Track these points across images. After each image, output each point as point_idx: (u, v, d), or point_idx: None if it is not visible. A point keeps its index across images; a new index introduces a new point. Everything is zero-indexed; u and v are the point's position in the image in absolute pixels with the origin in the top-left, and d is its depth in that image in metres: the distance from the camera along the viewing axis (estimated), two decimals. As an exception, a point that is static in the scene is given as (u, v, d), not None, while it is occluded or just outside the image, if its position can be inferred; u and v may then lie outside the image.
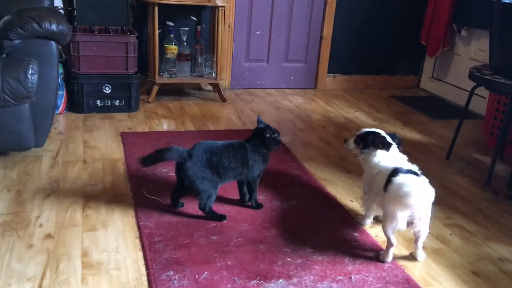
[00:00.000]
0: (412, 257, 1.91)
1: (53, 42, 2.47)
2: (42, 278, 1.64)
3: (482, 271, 1.88)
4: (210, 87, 3.97)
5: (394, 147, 1.99)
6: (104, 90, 3.28)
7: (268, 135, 2.09)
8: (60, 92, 3.16)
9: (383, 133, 2.03)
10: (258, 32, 4.09)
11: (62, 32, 2.45)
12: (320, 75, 4.34)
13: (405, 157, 2.00)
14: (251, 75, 4.19)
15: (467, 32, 4.04)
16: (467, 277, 1.83)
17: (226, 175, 2.04)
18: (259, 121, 2.17)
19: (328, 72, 4.36)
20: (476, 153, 3.10)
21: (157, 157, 1.97)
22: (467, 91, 2.85)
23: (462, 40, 4.13)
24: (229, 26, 3.94)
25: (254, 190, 2.16)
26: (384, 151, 1.97)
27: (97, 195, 2.21)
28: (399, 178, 1.78)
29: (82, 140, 2.83)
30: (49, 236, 1.88)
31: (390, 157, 1.96)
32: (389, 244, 1.84)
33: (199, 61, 3.75)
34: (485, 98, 3.56)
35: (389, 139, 2.00)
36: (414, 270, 1.84)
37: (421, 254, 1.90)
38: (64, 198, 2.16)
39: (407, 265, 1.86)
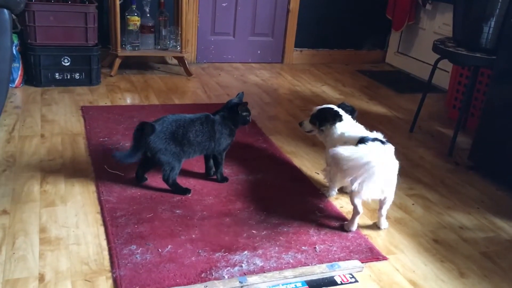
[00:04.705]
0: (375, 227, 1.94)
1: (5, 10, 2.32)
2: (-3, 255, 1.58)
3: (443, 239, 1.92)
4: (175, 61, 3.87)
5: (348, 117, 2.02)
6: (63, 63, 3.15)
7: (240, 112, 2.06)
8: (15, 65, 3.02)
9: (335, 107, 2.06)
10: (224, 4, 3.99)
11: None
12: (287, 49, 4.30)
13: (361, 126, 2.04)
14: (217, 48, 4.11)
15: (431, 6, 4.06)
16: (428, 245, 1.87)
17: (191, 149, 2.00)
18: (237, 96, 2.13)
19: (295, 46, 4.32)
20: (439, 126, 3.15)
21: (142, 137, 1.91)
22: (432, 65, 2.87)
23: (427, 14, 4.15)
24: (193, -2, 3.84)
25: (220, 164, 2.14)
26: (343, 123, 1.99)
27: (56, 170, 2.14)
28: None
29: (40, 114, 2.72)
30: (4, 212, 1.80)
31: (351, 127, 1.99)
32: (356, 212, 1.85)
33: (163, 33, 3.64)
34: (448, 72, 3.61)
35: (341, 111, 2.02)
36: (377, 239, 1.87)
37: (384, 222, 1.93)
38: (21, 173, 2.07)
39: (371, 235, 1.89)
